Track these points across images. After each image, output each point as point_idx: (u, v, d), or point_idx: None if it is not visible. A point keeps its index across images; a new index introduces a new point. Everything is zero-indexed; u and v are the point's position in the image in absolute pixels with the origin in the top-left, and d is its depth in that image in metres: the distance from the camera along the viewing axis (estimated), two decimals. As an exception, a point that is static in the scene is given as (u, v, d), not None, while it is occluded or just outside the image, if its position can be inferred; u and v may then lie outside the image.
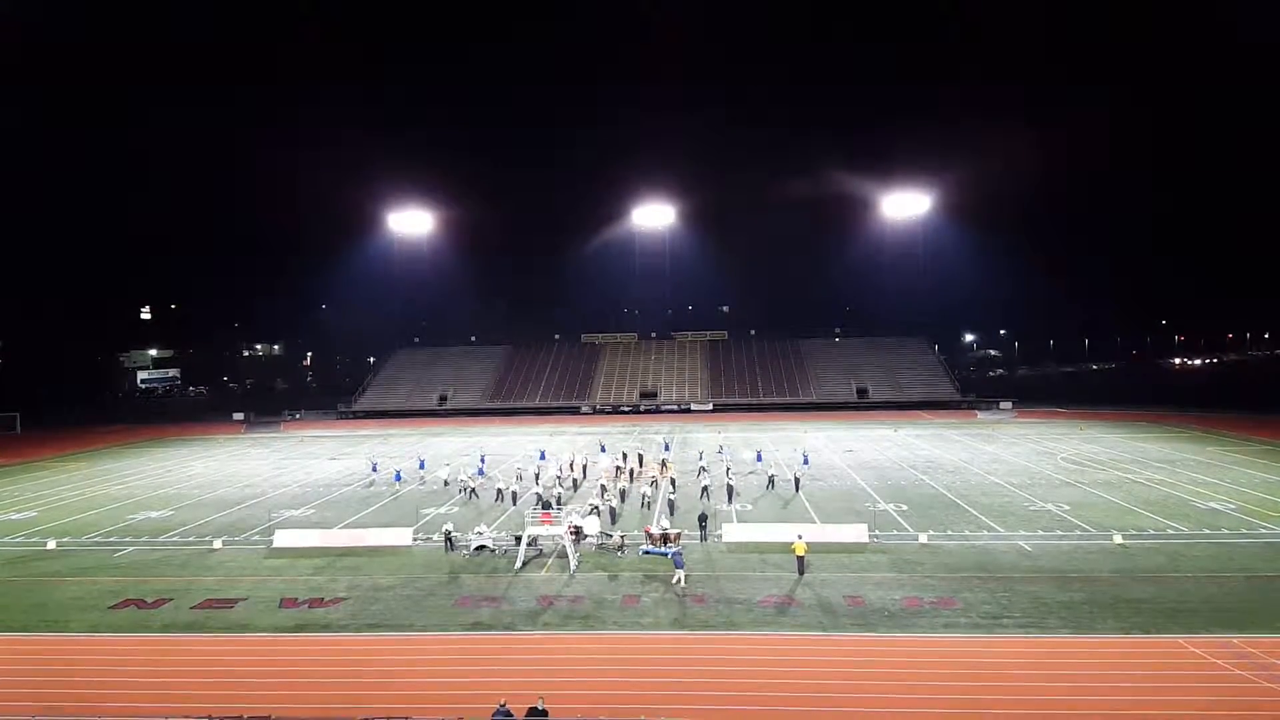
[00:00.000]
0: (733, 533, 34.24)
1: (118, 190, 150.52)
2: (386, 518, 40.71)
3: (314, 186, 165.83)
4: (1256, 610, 24.64)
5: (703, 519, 34.86)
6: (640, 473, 50.28)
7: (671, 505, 40.58)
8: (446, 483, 48.94)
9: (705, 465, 50.15)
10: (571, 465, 51.38)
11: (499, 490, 44.10)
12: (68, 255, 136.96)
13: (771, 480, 46.97)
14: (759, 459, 53.30)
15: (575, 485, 47.78)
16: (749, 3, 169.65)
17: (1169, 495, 42.01)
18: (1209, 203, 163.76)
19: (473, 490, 45.80)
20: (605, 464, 51.53)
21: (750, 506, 41.24)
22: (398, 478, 50.16)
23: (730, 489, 43.27)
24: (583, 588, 28.19)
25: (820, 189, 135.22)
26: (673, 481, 45.72)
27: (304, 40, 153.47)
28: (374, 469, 54.00)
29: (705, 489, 43.33)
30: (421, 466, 53.98)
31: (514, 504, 41.80)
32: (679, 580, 28.26)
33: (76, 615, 26.69)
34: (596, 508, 37.49)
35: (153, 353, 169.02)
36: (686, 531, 34.70)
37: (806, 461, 53.25)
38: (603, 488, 42.61)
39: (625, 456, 53.88)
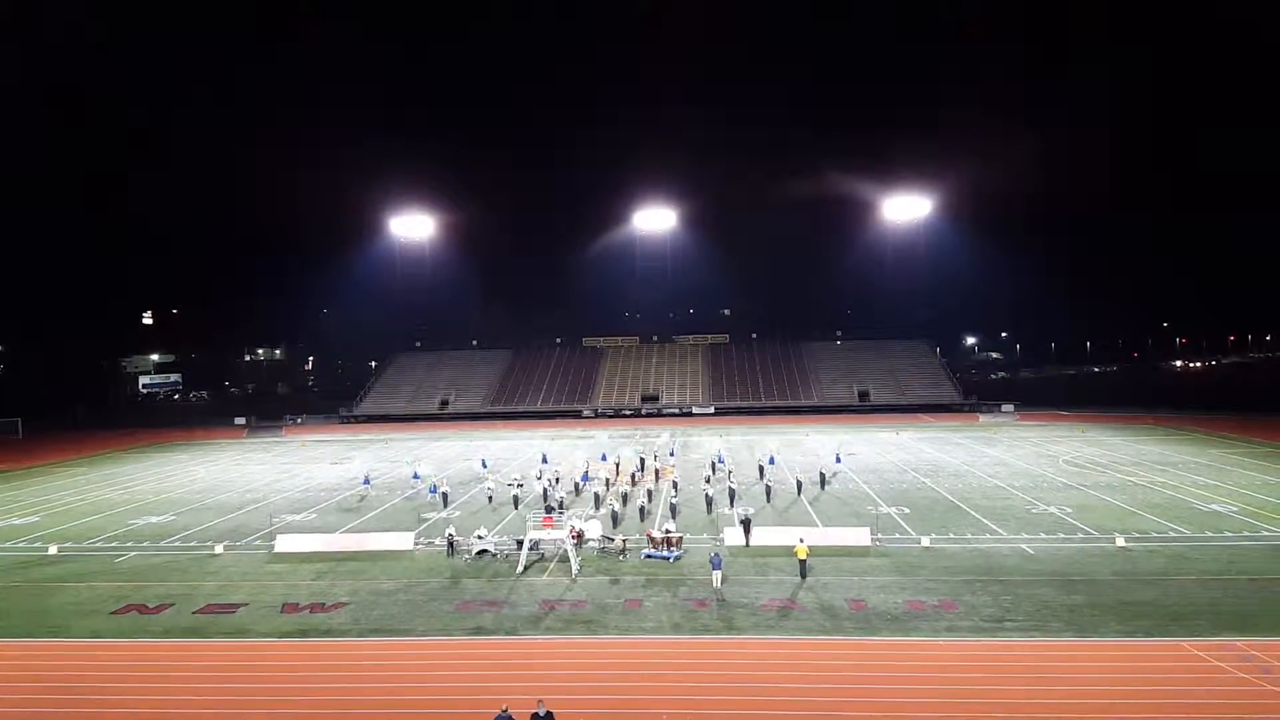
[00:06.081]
0: (734, 536, 34.17)
1: (119, 194, 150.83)
2: (388, 522, 40.72)
3: (315, 190, 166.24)
4: (1260, 613, 24.59)
5: (746, 523, 34.55)
6: (641, 477, 50.29)
7: (674, 509, 40.59)
8: (490, 498, 45.55)
9: (724, 468, 51.51)
10: (618, 468, 52.75)
11: (544, 490, 44.87)
12: (69, 260, 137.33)
13: (823, 478, 47.49)
14: (771, 462, 53.26)
15: (578, 489, 47.74)
16: (749, 3, 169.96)
17: (1171, 498, 41.94)
18: (1209, 204, 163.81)
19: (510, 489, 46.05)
20: (623, 465, 53.32)
21: (752, 510, 41.17)
22: (433, 490, 46.56)
23: (732, 492, 43.28)
24: (585, 592, 28.17)
25: (821, 191, 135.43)
26: (675, 485, 45.68)
27: (305, 41, 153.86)
28: (366, 481, 51.46)
29: (733, 494, 43.44)
30: (416, 477, 52.88)
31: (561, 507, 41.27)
32: (717, 582, 28.12)
33: (78, 620, 26.70)
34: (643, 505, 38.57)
35: (154, 357, 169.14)
36: (689, 535, 34.74)
37: (840, 460, 53.30)
38: (625, 496, 42.98)
39: (643, 461, 53.97)
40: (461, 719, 19.33)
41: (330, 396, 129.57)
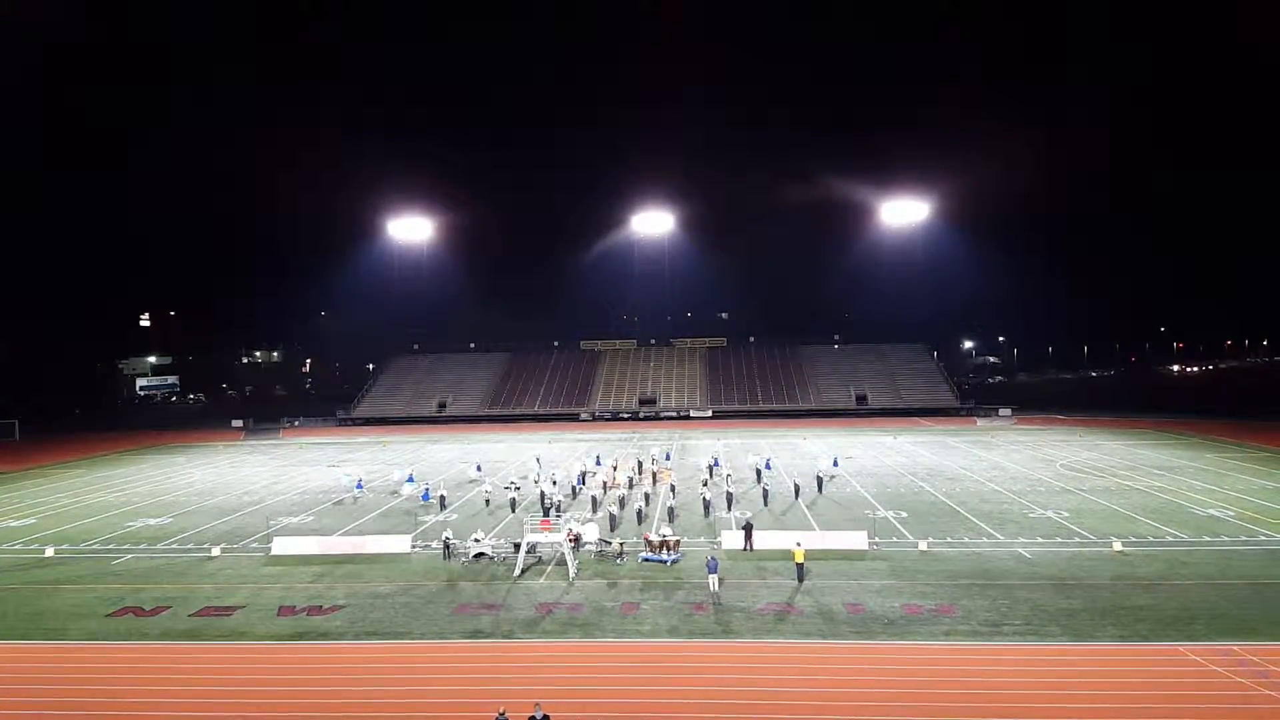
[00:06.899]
0: (731, 540, 34.17)
1: (118, 196, 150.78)
2: (385, 525, 40.67)
3: (313, 191, 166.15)
4: (1256, 617, 24.62)
5: (748, 528, 34.36)
6: (639, 480, 50.27)
7: (671, 512, 40.54)
8: (488, 501, 45.53)
9: (722, 472, 51.37)
10: (615, 469, 52.99)
11: (543, 493, 44.78)
12: (67, 262, 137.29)
13: (820, 481, 47.84)
14: (767, 466, 53.20)
15: (575, 493, 47.72)
16: (749, 3, 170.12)
17: (1168, 502, 41.99)
18: (1207, 209, 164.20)
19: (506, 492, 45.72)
20: (620, 467, 53.59)
21: (750, 514, 41.17)
22: (425, 497, 46.49)
23: (729, 496, 43.28)
24: (582, 595, 28.15)
25: (820, 195, 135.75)
26: (672, 488, 45.68)
27: (304, 42, 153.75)
28: (359, 486, 50.78)
29: (731, 498, 43.49)
30: (410, 480, 52.20)
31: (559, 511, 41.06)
32: (714, 585, 28.02)
33: (74, 623, 26.63)
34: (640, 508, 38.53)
35: (152, 360, 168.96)
36: (686, 538, 34.72)
37: (837, 464, 53.37)
38: (622, 499, 43.01)
39: (640, 464, 53.93)
40: (458, 722, 19.29)
41: (328, 399, 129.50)
